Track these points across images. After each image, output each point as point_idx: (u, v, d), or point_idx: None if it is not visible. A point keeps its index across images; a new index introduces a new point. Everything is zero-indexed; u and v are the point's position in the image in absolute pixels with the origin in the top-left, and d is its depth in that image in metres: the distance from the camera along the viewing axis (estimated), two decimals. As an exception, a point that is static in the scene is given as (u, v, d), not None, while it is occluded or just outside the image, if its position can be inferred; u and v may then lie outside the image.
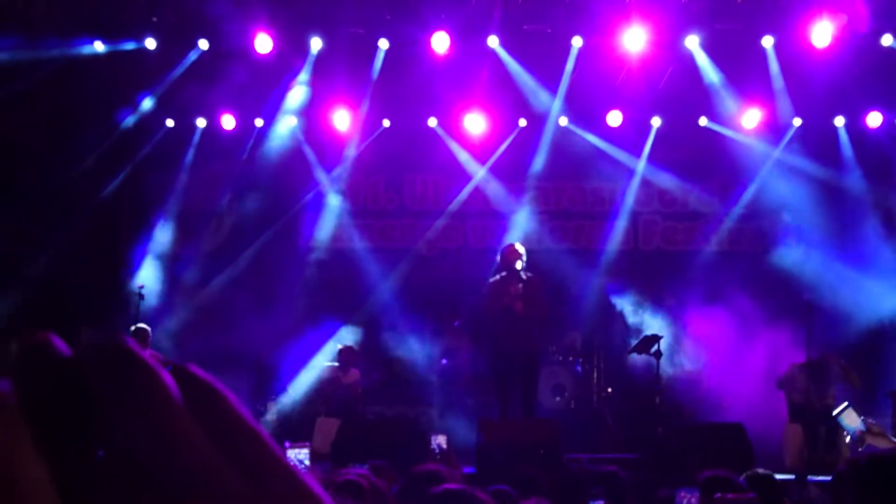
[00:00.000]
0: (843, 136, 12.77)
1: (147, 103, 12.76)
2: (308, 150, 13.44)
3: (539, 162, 13.27)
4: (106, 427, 0.49)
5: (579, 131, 13.17)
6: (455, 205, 13.39)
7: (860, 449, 9.05)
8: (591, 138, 13.14)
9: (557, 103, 12.81)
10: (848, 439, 9.20)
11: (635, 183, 13.25)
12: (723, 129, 12.89)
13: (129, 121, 12.91)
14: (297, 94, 12.85)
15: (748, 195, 12.84)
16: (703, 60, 12.05)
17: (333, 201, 13.20)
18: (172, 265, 13.12)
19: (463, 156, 13.39)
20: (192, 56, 12.28)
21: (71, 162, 12.22)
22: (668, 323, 11.59)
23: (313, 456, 8.28)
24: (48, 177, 12.05)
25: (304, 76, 12.60)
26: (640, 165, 13.22)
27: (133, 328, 10.83)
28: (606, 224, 13.32)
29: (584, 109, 12.93)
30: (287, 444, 6.48)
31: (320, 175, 13.49)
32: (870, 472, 3.06)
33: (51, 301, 11.76)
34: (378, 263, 12.92)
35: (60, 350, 0.53)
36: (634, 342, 11.04)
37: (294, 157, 13.44)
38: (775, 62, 11.80)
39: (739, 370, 10.83)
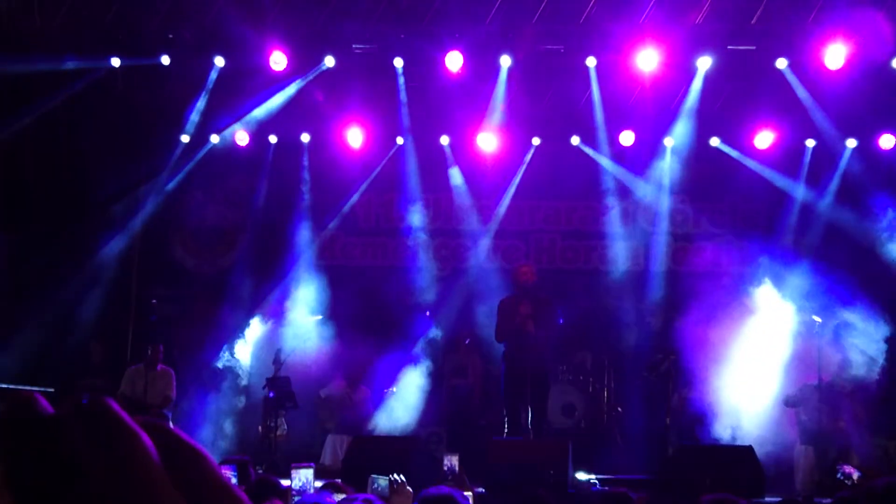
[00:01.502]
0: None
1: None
2: (323, 167, 13.48)
3: (552, 181, 13.28)
4: (85, 487, 0.51)
5: (590, 151, 13.18)
6: (467, 224, 13.41)
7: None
8: (605, 161, 13.15)
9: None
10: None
11: (646, 203, 13.25)
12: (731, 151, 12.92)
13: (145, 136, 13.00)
14: (311, 112, 12.93)
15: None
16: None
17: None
18: (186, 280, 13.19)
19: (476, 175, 13.41)
20: (207, 73, 12.37)
21: (87, 175, 12.33)
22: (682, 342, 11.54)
23: (323, 473, 8.29)
24: (63, 193, 12.16)
25: (317, 93, 12.67)
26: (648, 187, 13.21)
27: (150, 348, 10.90)
28: (616, 244, 13.31)
29: (596, 129, 12.94)
30: (293, 466, 6.47)
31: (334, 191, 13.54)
32: (887, 500, 3.05)
33: (64, 317, 11.86)
34: (389, 281, 12.93)
35: (44, 410, 0.55)
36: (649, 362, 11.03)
37: (306, 173, 13.49)
38: (796, 81, 11.80)
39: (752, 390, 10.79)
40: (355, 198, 13.56)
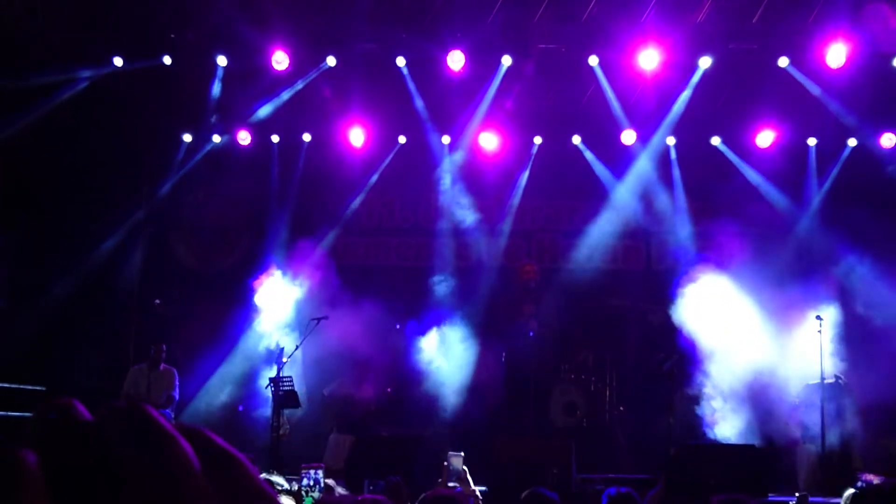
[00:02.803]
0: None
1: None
2: (325, 166, 13.47)
3: (554, 180, 13.29)
4: (126, 492, 0.52)
5: (590, 156, 13.20)
6: (469, 223, 13.39)
7: None
8: (598, 167, 13.17)
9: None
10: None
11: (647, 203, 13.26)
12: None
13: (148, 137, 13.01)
14: (313, 111, 12.94)
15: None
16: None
17: None
18: (188, 280, 13.19)
19: (478, 174, 13.41)
20: (210, 73, 12.39)
21: (89, 175, 12.34)
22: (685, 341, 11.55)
23: (326, 473, 8.30)
24: (68, 193, 12.17)
25: (319, 93, 12.68)
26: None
27: (152, 348, 10.91)
28: (619, 243, 13.31)
29: (598, 128, 12.94)
30: (303, 466, 6.49)
31: (337, 191, 13.54)
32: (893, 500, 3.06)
33: (65, 317, 11.87)
34: (392, 282, 12.93)
35: (82, 416, 0.56)
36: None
37: (310, 172, 13.50)
38: (802, 77, 11.80)
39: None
40: (358, 200, 13.54)
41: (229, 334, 12.35)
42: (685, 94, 12.36)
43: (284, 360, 11.07)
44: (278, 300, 12.12)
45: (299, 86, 12.50)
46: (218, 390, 12.17)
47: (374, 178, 13.50)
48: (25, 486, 0.50)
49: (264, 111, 12.77)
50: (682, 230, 13.04)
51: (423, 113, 12.90)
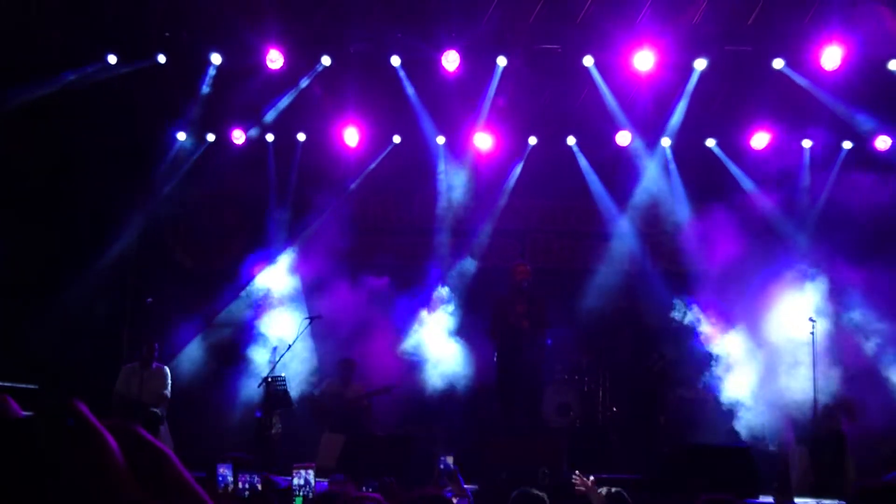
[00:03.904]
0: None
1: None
2: (319, 165, 13.47)
3: (548, 180, 13.31)
4: (53, 486, 0.52)
5: (584, 162, 13.22)
6: (463, 223, 13.39)
7: None
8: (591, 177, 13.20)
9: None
10: None
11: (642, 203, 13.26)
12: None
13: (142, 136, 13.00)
14: (307, 110, 12.93)
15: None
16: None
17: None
18: (182, 278, 13.17)
19: (473, 174, 13.41)
20: (204, 71, 12.38)
21: (85, 174, 12.33)
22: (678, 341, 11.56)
23: (318, 472, 8.28)
24: (63, 192, 12.16)
25: (314, 92, 12.67)
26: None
27: (144, 346, 10.90)
28: (612, 244, 13.32)
29: (593, 129, 12.94)
30: (294, 466, 6.49)
31: (331, 190, 13.53)
32: (884, 501, 3.06)
33: (60, 315, 11.85)
34: (385, 280, 12.92)
35: (13, 412, 0.56)
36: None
37: (304, 171, 13.50)
38: (798, 78, 11.81)
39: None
40: (353, 200, 13.54)
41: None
42: (683, 104, 12.38)
43: (277, 359, 11.07)
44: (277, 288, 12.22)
45: (303, 84, 12.47)
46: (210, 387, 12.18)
47: (369, 177, 13.50)
48: None
49: (259, 110, 12.77)
50: (678, 230, 13.05)
51: (417, 113, 12.90)
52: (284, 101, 12.80)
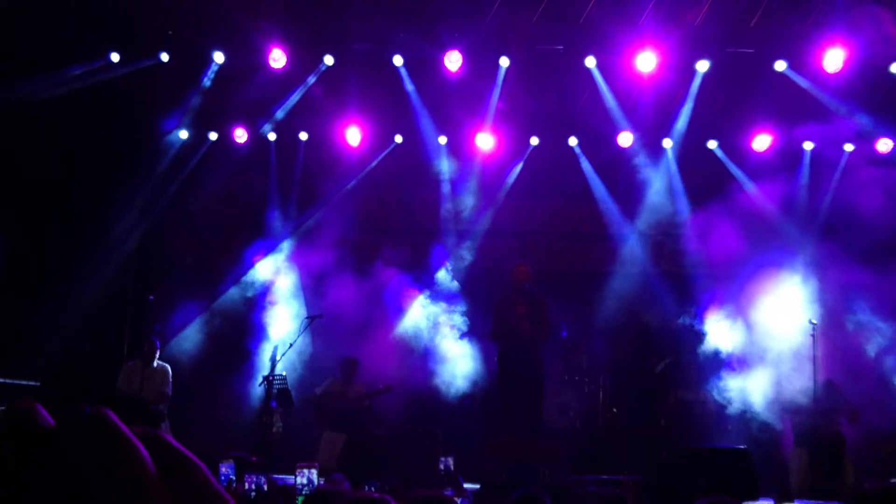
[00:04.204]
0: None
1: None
2: (321, 164, 13.48)
3: (550, 181, 13.31)
4: (84, 495, 0.53)
5: (587, 167, 13.23)
6: (466, 224, 13.40)
7: None
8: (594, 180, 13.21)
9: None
10: None
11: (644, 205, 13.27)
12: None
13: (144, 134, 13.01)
14: (310, 109, 12.94)
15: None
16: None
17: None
18: (184, 276, 13.18)
19: (474, 174, 13.43)
20: (207, 70, 12.39)
21: (86, 172, 12.34)
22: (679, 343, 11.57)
23: (319, 471, 8.29)
24: (64, 189, 12.16)
25: (316, 91, 12.68)
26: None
27: (146, 344, 10.91)
28: (614, 245, 13.33)
29: (595, 130, 12.94)
30: (297, 465, 6.51)
31: (332, 189, 13.54)
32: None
33: (61, 313, 11.86)
34: (386, 281, 12.92)
35: (43, 421, 0.57)
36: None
37: (306, 170, 13.51)
38: (800, 80, 11.81)
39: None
40: (354, 199, 13.55)
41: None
42: (688, 106, 12.39)
43: (278, 357, 11.08)
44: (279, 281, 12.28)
45: (311, 81, 12.46)
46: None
47: (370, 176, 13.51)
48: None
49: (262, 109, 12.78)
50: (679, 232, 13.06)
51: (419, 113, 12.91)
52: (293, 99, 12.79)
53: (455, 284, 12.34)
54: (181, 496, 0.58)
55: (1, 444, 0.57)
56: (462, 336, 12.03)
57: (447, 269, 12.38)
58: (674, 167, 13.17)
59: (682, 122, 12.66)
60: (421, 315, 12.20)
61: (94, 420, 0.59)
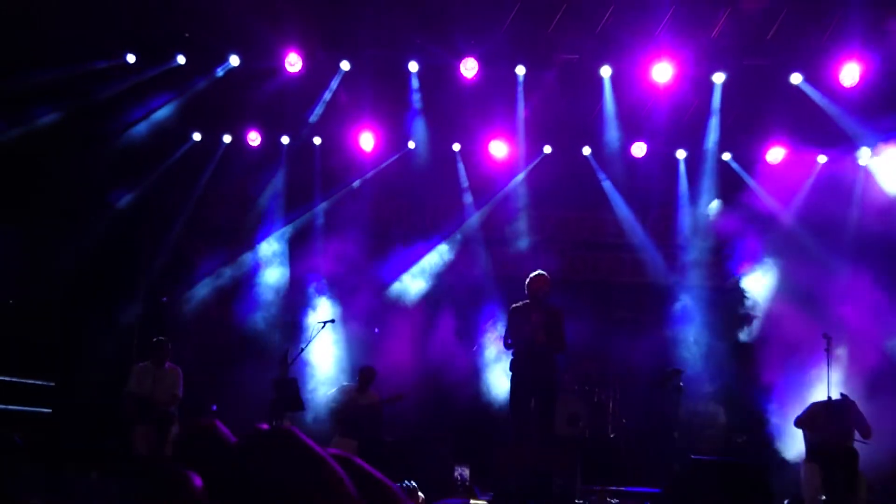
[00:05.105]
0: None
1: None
2: (335, 169, 13.50)
3: (563, 190, 13.31)
4: None
5: (604, 179, 13.25)
6: (476, 231, 13.39)
7: None
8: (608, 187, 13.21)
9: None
10: None
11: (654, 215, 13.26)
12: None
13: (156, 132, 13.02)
14: (324, 113, 12.95)
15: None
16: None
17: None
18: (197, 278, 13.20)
19: (486, 181, 13.43)
20: (222, 72, 12.40)
21: (95, 172, 12.36)
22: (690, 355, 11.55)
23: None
24: (76, 188, 12.17)
25: (331, 96, 12.69)
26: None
27: (154, 340, 10.89)
28: (625, 255, 13.31)
29: (610, 139, 12.93)
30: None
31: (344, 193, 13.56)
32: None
33: (77, 313, 11.87)
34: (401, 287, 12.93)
35: (226, 437, 0.57)
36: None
37: (320, 174, 13.53)
38: (816, 94, 11.80)
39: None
40: (367, 204, 13.55)
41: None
42: (714, 121, 12.37)
43: (290, 361, 11.05)
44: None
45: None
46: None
47: (382, 181, 13.52)
48: None
49: (276, 112, 12.80)
50: (693, 242, 13.03)
51: (434, 119, 12.91)
52: (301, 105, 12.80)
53: (466, 292, 12.32)
54: None
55: (190, 460, 0.57)
56: (474, 345, 12.01)
57: (459, 277, 12.36)
58: (685, 177, 13.13)
59: (713, 136, 12.62)
60: (431, 322, 12.19)
61: (281, 437, 0.58)
